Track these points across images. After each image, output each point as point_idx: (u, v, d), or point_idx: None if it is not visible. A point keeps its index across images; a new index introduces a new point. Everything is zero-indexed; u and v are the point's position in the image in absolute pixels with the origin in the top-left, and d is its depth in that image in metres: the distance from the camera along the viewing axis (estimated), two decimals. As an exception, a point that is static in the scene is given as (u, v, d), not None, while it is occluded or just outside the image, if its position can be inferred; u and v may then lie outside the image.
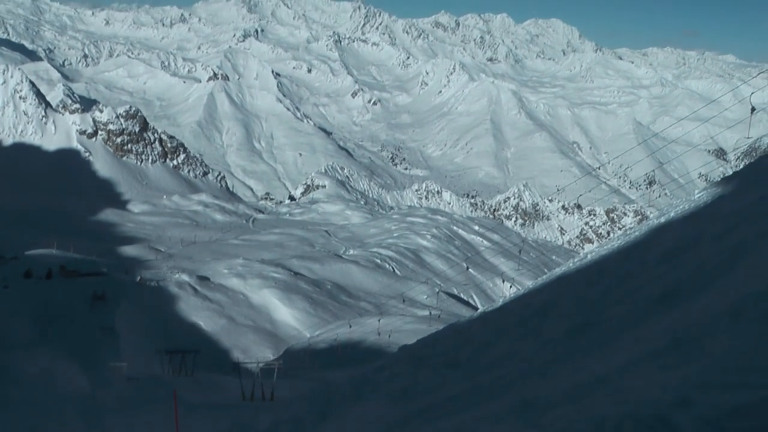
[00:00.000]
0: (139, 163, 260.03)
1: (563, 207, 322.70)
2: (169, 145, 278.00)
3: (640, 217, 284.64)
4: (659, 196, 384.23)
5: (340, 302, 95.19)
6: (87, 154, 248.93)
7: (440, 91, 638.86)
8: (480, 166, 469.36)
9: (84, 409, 33.66)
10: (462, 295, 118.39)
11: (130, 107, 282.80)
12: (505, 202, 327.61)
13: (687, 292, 12.93)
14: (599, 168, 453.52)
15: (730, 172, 31.61)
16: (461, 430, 10.59)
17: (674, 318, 11.44)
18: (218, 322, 78.73)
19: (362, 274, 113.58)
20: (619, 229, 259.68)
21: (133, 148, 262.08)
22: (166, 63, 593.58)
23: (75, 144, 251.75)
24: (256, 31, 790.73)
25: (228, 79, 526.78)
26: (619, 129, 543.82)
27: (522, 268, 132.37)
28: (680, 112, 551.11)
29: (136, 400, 36.18)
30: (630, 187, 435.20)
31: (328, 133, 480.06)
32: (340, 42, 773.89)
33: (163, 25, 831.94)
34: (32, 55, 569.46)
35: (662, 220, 26.81)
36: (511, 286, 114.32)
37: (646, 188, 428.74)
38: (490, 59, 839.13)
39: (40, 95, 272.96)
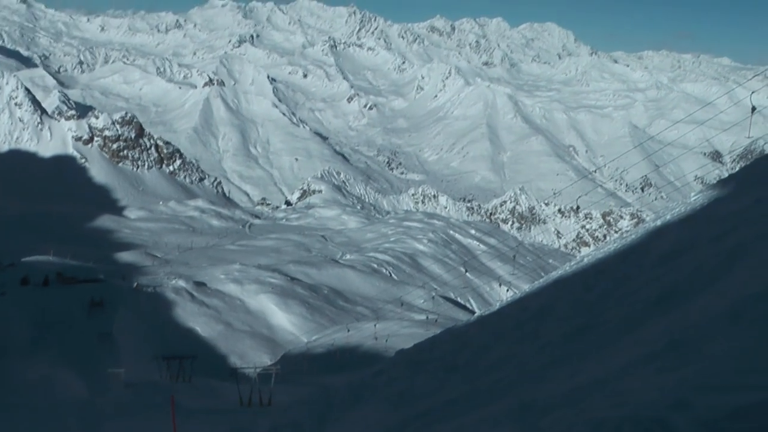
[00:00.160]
0: (135, 169, 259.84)
1: (559, 210, 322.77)
2: (165, 150, 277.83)
3: (636, 220, 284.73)
4: (655, 199, 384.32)
5: (337, 307, 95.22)
6: (83, 160, 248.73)
7: (436, 96, 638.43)
8: (476, 170, 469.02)
9: (82, 415, 33.69)
10: (459, 299, 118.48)
11: (126, 113, 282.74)
12: (501, 206, 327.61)
13: (684, 295, 12.96)
14: (595, 171, 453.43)
15: (726, 175, 31.66)
16: (460, 433, 10.63)
17: (672, 320, 11.47)
18: (215, 327, 78.75)
19: (359, 278, 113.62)
20: (616, 232, 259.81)
21: (129, 154, 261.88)
22: (162, 69, 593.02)
23: (71, 150, 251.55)
24: (252, 36, 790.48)
25: (224, 85, 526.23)
26: (615, 132, 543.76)
27: (517, 273, 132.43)
28: (676, 115, 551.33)
29: (134, 406, 36.22)
30: (626, 191, 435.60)
31: (324, 138, 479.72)
32: (336, 47, 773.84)
33: (159, 31, 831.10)
34: (27, 62, 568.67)
35: (659, 223, 26.86)
36: (508, 290, 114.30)
37: (635, 191, 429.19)
38: (486, 63, 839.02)
39: (35, 102, 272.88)
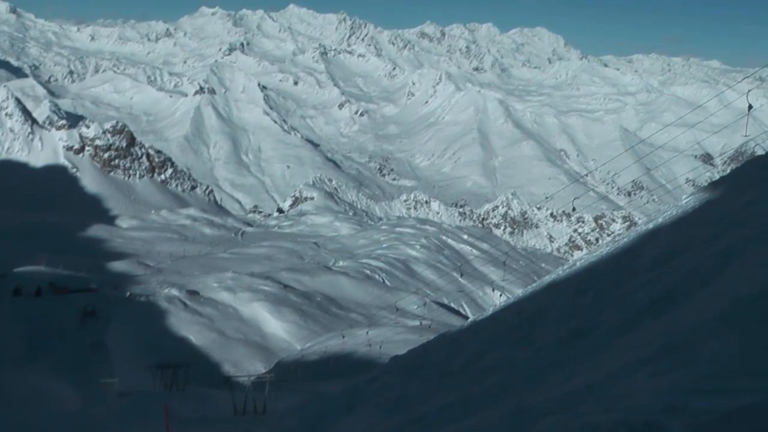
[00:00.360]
0: (126, 178, 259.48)
1: (552, 215, 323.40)
2: (156, 159, 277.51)
3: (628, 223, 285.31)
4: (647, 202, 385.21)
5: (330, 314, 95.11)
6: (74, 170, 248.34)
7: (427, 102, 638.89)
8: (468, 176, 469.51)
9: (76, 425, 33.59)
10: (452, 305, 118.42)
11: (117, 122, 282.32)
12: (493, 210, 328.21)
13: (677, 298, 12.99)
14: (587, 175, 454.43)
15: (717, 177, 31.71)
16: (454, 439, 10.63)
17: (664, 324, 11.49)
18: (208, 336, 78.61)
19: (352, 285, 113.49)
20: (608, 235, 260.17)
21: (121, 164, 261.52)
22: (153, 78, 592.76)
23: (62, 160, 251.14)
24: (242, 44, 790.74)
25: (214, 93, 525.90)
26: (606, 136, 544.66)
27: (507, 278, 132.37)
28: (666, 118, 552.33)
29: (128, 416, 36.14)
30: (618, 194, 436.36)
31: (315, 145, 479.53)
32: (326, 54, 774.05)
33: (149, 39, 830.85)
34: (18, 72, 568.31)
35: (651, 226, 26.89)
36: (501, 295, 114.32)
37: (627, 195, 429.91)
38: (476, 69, 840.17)
39: (26, 112, 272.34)
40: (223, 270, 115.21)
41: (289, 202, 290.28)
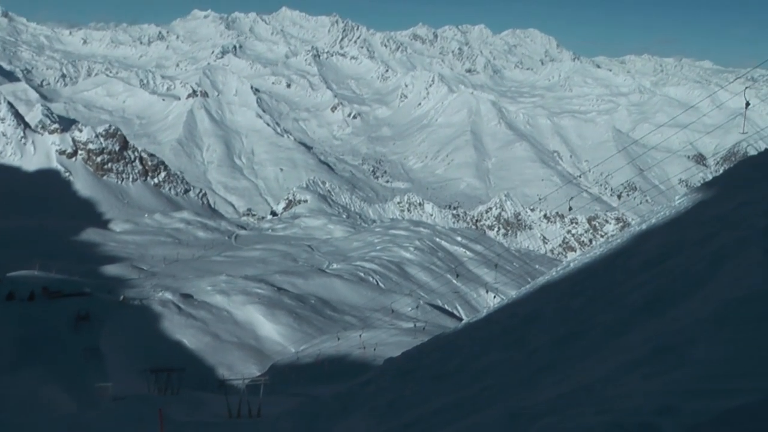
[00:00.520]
0: (119, 181, 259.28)
1: (545, 216, 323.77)
2: (149, 163, 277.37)
3: (622, 224, 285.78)
4: (640, 203, 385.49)
5: (324, 316, 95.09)
6: (67, 174, 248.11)
7: (420, 104, 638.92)
8: (461, 178, 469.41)
9: (71, 430, 33.56)
10: (446, 307, 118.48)
11: (110, 126, 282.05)
12: (487, 212, 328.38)
13: (670, 300, 13.00)
14: (580, 176, 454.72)
15: (710, 178, 31.78)
16: (449, 442, 10.63)
17: (657, 325, 11.51)
18: (203, 339, 78.54)
19: (346, 287, 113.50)
20: (602, 236, 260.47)
21: (114, 167, 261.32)
22: (145, 81, 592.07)
23: (55, 164, 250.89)
24: (235, 47, 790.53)
25: (207, 96, 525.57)
26: (599, 137, 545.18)
27: (500, 280, 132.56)
28: (659, 118, 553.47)
29: (122, 420, 36.07)
30: (611, 195, 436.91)
31: (308, 148, 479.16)
32: (319, 56, 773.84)
33: (141, 43, 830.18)
34: (10, 76, 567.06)
35: (644, 227, 26.95)
36: (495, 296, 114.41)
37: (618, 197, 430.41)
38: (469, 70, 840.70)
39: (18, 116, 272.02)
40: (216, 273, 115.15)
41: (282, 204, 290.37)
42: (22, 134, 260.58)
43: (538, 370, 13.86)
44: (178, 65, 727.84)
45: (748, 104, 26.83)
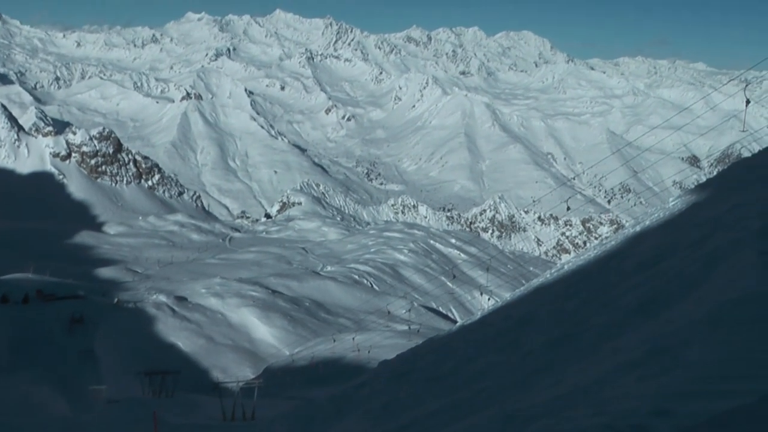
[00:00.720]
0: (113, 184, 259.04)
1: (539, 218, 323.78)
2: (143, 165, 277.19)
3: (616, 226, 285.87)
4: (634, 205, 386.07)
5: (318, 319, 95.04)
6: (61, 176, 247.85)
7: (414, 106, 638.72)
8: (455, 180, 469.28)
9: (65, 433, 33.54)
10: (441, 309, 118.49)
11: (104, 129, 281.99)
12: (481, 214, 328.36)
13: (664, 301, 13.02)
14: (574, 178, 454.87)
15: (704, 179, 31.81)
16: (444, 444, 10.65)
17: (652, 327, 11.53)
18: (197, 342, 78.49)
19: (340, 290, 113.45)
20: (596, 238, 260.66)
21: (108, 170, 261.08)
22: (139, 84, 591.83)
23: (49, 167, 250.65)
24: (229, 49, 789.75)
25: (201, 99, 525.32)
26: (593, 139, 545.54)
27: (491, 282, 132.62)
28: (653, 120, 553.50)
29: (116, 423, 36.07)
30: (605, 197, 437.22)
31: (302, 150, 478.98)
32: (313, 59, 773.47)
33: (135, 45, 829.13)
34: (4, 79, 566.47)
35: (638, 229, 26.94)
36: (489, 299, 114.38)
37: (614, 197, 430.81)
38: (463, 73, 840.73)
39: (12, 119, 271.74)
40: (211, 276, 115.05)
41: (276, 207, 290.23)
42: (15, 137, 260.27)
43: (532, 372, 13.87)
44: (172, 68, 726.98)
45: (748, 102, 26.93)
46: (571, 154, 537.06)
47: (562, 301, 20.37)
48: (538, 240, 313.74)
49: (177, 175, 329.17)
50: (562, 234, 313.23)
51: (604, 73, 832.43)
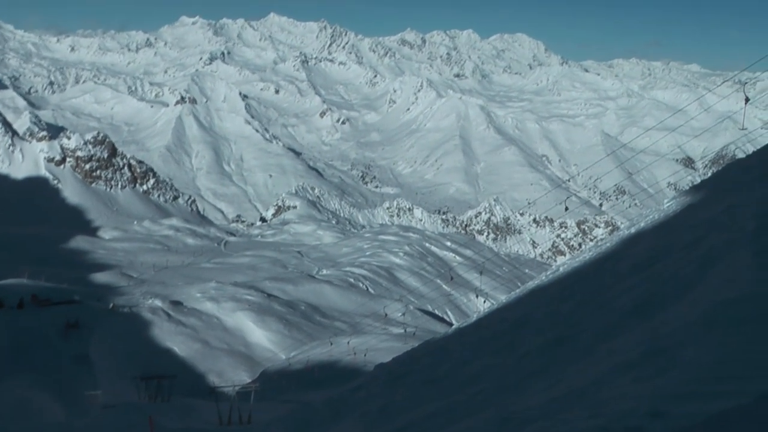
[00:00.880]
0: (108, 189, 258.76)
1: (534, 220, 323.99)
2: (138, 170, 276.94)
3: (611, 228, 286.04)
4: (629, 207, 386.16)
5: (314, 323, 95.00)
6: (56, 181, 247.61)
7: (408, 109, 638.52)
8: (450, 182, 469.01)
9: (60, 438, 33.51)
10: (437, 312, 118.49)
11: (98, 133, 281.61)
12: (476, 217, 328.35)
13: (659, 303, 13.03)
14: (569, 180, 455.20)
15: (699, 181, 31.85)
16: (440, 447, 10.64)
17: (647, 329, 11.53)
18: (193, 346, 78.41)
19: (336, 293, 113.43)
20: (591, 240, 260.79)
21: (102, 174, 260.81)
22: (133, 88, 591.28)
23: (43, 172, 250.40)
24: (223, 53, 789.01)
25: (196, 103, 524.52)
26: (588, 141, 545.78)
27: (484, 284, 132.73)
28: (647, 122, 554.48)
29: (112, 428, 36.00)
30: (600, 199, 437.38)
31: (297, 154, 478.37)
32: (307, 62, 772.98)
33: (129, 50, 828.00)
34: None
35: (633, 230, 26.99)
36: (485, 301, 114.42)
37: (608, 199, 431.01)
38: (457, 75, 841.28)
39: (6, 123, 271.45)
40: (206, 280, 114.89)
41: (271, 211, 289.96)
42: (10, 142, 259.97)
43: (528, 374, 13.87)
44: (166, 72, 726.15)
45: (747, 100, 27.01)
46: (565, 156, 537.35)
47: (557, 303, 20.39)
48: (534, 242, 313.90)
49: (172, 179, 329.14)
50: (558, 236, 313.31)
51: (599, 75, 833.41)
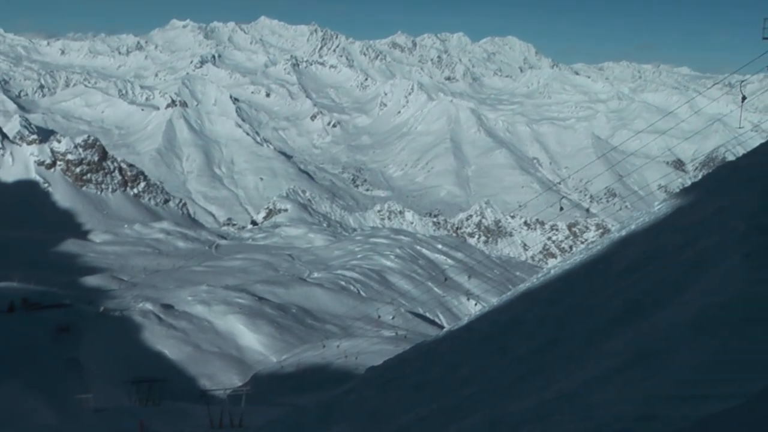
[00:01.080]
0: (99, 192, 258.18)
1: (525, 223, 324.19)
2: (129, 173, 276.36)
3: (602, 230, 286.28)
4: (620, 209, 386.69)
5: (305, 326, 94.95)
6: (46, 185, 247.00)
7: (399, 112, 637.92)
8: (441, 185, 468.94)
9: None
10: (428, 314, 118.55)
11: (89, 137, 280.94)
12: (467, 219, 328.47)
13: (649, 306, 13.04)
14: (560, 183, 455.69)
15: (689, 183, 31.92)
16: (431, 451, 10.63)
17: (637, 332, 11.53)
18: (184, 350, 78.30)
19: (327, 296, 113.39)
20: (582, 243, 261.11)
21: (93, 178, 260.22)
22: (124, 91, 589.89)
23: (33, 175, 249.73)
24: (214, 57, 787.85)
25: (186, 106, 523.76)
26: (578, 143, 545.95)
27: (472, 284, 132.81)
28: (638, 125, 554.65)
29: (103, 432, 35.93)
30: (591, 201, 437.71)
31: (288, 157, 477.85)
32: (298, 65, 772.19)
33: (120, 53, 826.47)
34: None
35: (624, 233, 27.02)
36: (476, 304, 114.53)
37: (599, 201, 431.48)
38: (448, 78, 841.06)
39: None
40: (197, 283, 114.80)
41: (262, 214, 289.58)
42: (0, 145, 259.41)
43: (519, 377, 13.88)
44: (156, 75, 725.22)
45: (744, 98, 27.16)
46: (556, 159, 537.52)
47: (548, 306, 20.41)
48: (525, 245, 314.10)
49: (163, 182, 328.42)
50: (549, 239, 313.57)
51: (589, 77, 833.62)
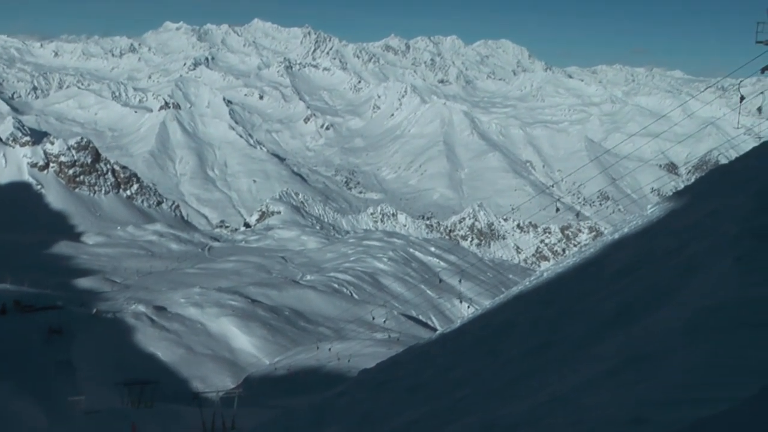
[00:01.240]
0: (92, 194, 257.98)
1: (518, 226, 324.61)
2: (122, 175, 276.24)
3: (594, 233, 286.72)
4: (613, 212, 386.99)
5: (298, 328, 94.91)
6: (39, 186, 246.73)
7: (392, 114, 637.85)
8: (434, 188, 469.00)
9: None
10: (421, 317, 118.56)
11: (82, 138, 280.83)
12: (460, 222, 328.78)
13: (642, 309, 13.05)
14: (553, 186, 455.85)
15: (682, 186, 31.96)
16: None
17: (630, 335, 11.54)
18: (176, 351, 78.20)
19: (320, 299, 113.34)
20: (575, 246, 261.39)
21: (86, 180, 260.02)
22: (117, 93, 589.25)
23: (26, 177, 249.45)
24: (207, 59, 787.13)
25: (180, 108, 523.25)
26: (572, 147, 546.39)
27: (463, 287, 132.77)
28: (631, 128, 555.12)
29: (95, 435, 35.89)
30: (584, 204, 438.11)
31: (281, 159, 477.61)
32: (291, 68, 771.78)
33: (113, 55, 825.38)
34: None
35: (616, 236, 27.04)
36: (469, 306, 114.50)
37: (592, 204, 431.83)
38: (442, 81, 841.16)
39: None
40: (190, 285, 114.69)
41: (255, 216, 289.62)
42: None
43: (512, 380, 13.87)
44: (150, 77, 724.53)
45: (742, 98, 27.22)
46: (549, 162, 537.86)
47: (540, 309, 20.42)
48: (518, 247, 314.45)
49: (156, 184, 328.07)
50: (541, 241, 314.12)
51: (582, 81, 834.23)
